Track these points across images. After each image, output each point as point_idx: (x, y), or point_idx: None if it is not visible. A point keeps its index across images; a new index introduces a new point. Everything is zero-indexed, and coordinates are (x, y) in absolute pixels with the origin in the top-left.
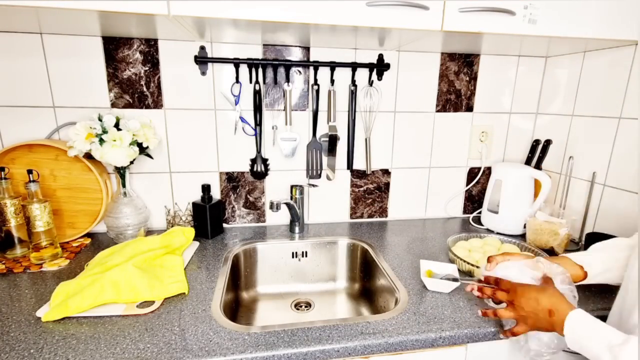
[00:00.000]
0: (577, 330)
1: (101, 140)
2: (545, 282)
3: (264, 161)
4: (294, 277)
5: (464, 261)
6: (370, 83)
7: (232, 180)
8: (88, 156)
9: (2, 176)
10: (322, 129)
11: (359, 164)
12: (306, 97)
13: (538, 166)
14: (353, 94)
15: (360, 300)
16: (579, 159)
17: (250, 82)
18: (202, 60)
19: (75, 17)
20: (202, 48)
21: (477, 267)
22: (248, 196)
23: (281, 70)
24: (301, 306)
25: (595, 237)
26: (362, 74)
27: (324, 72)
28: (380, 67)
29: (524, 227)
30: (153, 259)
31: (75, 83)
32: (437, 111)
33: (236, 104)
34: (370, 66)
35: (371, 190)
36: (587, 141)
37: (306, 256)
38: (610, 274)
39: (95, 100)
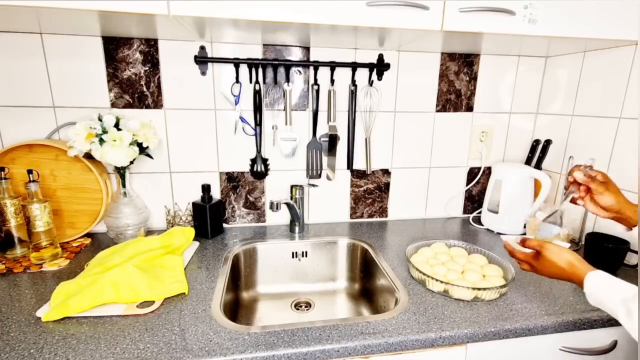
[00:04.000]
0: (594, 287)
1: (101, 140)
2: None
3: (264, 161)
4: (294, 277)
5: (418, 270)
6: (370, 83)
7: (232, 180)
8: (88, 156)
9: (2, 176)
10: (322, 129)
11: (359, 164)
12: (306, 97)
13: (538, 166)
14: (353, 94)
15: (360, 300)
16: (579, 159)
17: (250, 82)
18: (202, 60)
19: (75, 17)
20: (202, 48)
21: (431, 277)
22: (248, 196)
23: (281, 70)
24: (301, 306)
25: (595, 237)
26: (362, 74)
27: (324, 72)
28: (380, 67)
29: (524, 227)
30: (153, 259)
31: (75, 83)
32: (437, 111)
33: (236, 104)
34: (370, 66)
35: (371, 190)
36: (587, 141)
37: (306, 256)
38: None
39: (95, 100)
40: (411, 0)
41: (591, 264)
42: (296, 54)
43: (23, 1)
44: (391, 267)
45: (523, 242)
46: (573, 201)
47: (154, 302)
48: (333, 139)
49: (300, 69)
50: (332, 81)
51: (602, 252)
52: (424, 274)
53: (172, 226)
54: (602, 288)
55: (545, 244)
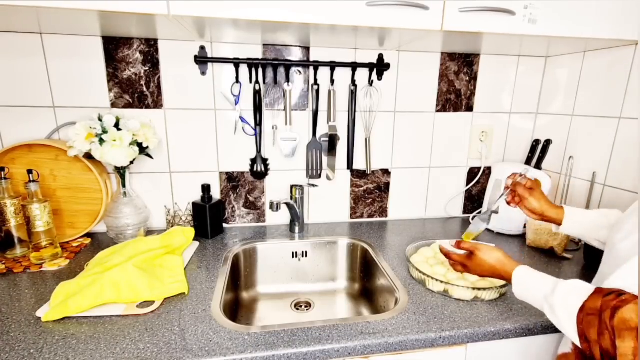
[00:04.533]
0: (520, 284)
1: (101, 140)
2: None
3: (264, 161)
4: (294, 277)
5: (418, 270)
6: (370, 83)
7: (232, 180)
8: (88, 156)
9: (2, 176)
10: (322, 129)
11: (359, 164)
12: (306, 97)
13: (538, 166)
14: (353, 94)
15: (360, 300)
16: (579, 159)
17: (250, 82)
18: (202, 60)
19: (75, 17)
20: (202, 48)
21: (431, 277)
22: (248, 196)
23: (281, 70)
24: (301, 306)
25: None
26: (362, 74)
27: (324, 72)
28: (380, 67)
29: (524, 227)
30: (153, 259)
31: (75, 83)
32: (437, 111)
33: (236, 104)
34: (370, 66)
35: (371, 190)
36: (587, 141)
37: (306, 256)
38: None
39: (95, 100)
40: (411, 0)
41: (590, 264)
42: (296, 54)
43: (23, 1)
44: (391, 267)
45: (458, 245)
46: (508, 203)
47: (154, 302)
48: (333, 139)
49: (300, 69)
50: (332, 81)
51: (602, 252)
52: (424, 274)
53: (172, 226)
54: (525, 286)
55: (478, 245)
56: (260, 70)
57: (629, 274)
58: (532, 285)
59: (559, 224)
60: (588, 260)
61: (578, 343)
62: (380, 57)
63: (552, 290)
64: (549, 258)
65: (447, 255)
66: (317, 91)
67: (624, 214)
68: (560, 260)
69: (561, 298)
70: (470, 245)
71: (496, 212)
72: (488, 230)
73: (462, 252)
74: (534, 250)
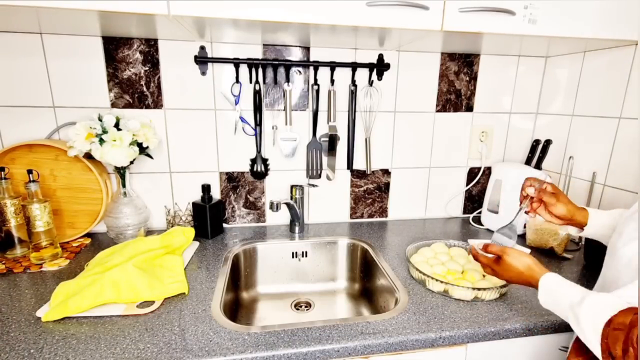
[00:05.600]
0: (546, 292)
1: (101, 140)
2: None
3: (264, 161)
4: (294, 277)
5: (418, 270)
6: (370, 83)
7: (232, 180)
8: (88, 156)
9: (2, 176)
10: (322, 129)
11: (359, 164)
12: (306, 97)
13: (538, 166)
14: (353, 94)
15: (360, 300)
16: (579, 159)
17: (250, 82)
18: (202, 60)
19: (75, 17)
20: (202, 48)
21: (431, 277)
22: (248, 196)
23: (281, 70)
24: (301, 306)
25: None
26: (362, 74)
27: (324, 72)
28: (380, 67)
29: (524, 227)
30: (153, 259)
31: (75, 83)
32: (437, 111)
33: (236, 104)
34: (370, 66)
35: (371, 190)
36: (587, 141)
37: (306, 256)
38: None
39: (95, 100)
40: (411, 0)
41: (590, 264)
42: (296, 54)
43: (23, 1)
44: (391, 267)
45: (485, 248)
46: (527, 213)
47: (154, 302)
48: (333, 139)
49: (300, 69)
50: (332, 81)
51: (602, 252)
52: (424, 274)
53: (172, 226)
54: (552, 294)
55: (506, 249)
56: (260, 70)
57: None
58: (559, 293)
59: (583, 227)
60: (588, 260)
61: (600, 356)
62: (380, 57)
63: (580, 301)
64: (549, 258)
65: (475, 257)
66: (317, 91)
67: (624, 217)
68: (560, 260)
69: (588, 309)
70: (498, 249)
71: (515, 225)
72: (488, 230)
73: (490, 255)
74: (534, 250)
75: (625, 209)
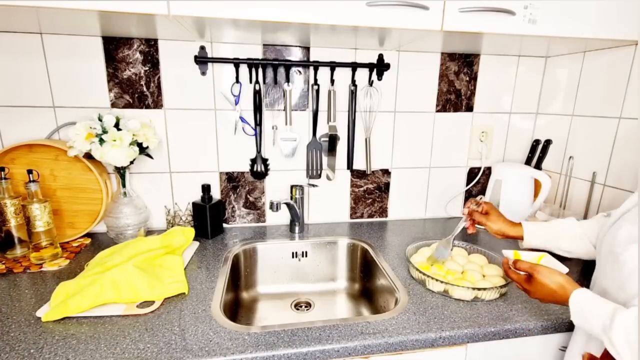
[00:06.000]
0: (577, 314)
1: (101, 140)
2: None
3: (264, 161)
4: (294, 277)
5: (418, 270)
6: (370, 83)
7: (232, 180)
8: (88, 156)
9: (2, 176)
10: (322, 129)
11: (359, 164)
12: (306, 97)
13: (538, 166)
14: (353, 94)
15: (360, 300)
16: (579, 159)
17: (250, 82)
18: (202, 60)
19: (75, 17)
20: (202, 48)
21: (431, 277)
22: (248, 196)
23: (281, 70)
24: (301, 306)
25: None
26: (362, 74)
27: (324, 72)
28: (380, 67)
29: None
30: (153, 259)
31: (75, 83)
32: (437, 111)
33: (236, 104)
34: (370, 66)
35: (371, 190)
36: (587, 141)
37: (306, 256)
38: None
39: (95, 100)
40: (411, 0)
41: (587, 266)
42: (296, 54)
43: (23, 1)
44: (391, 267)
45: (514, 265)
46: (467, 229)
47: (154, 302)
48: (333, 139)
49: (300, 69)
50: (332, 81)
51: None
52: (424, 274)
53: (172, 226)
54: (583, 315)
55: (537, 267)
56: (260, 70)
57: None
58: (588, 315)
59: (522, 240)
60: (585, 262)
61: None
62: (380, 57)
63: (610, 323)
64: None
65: (506, 272)
66: (317, 91)
67: (612, 220)
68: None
69: (622, 334)
70: (529, 267)
71: (455, 239)
72: (486, 230)
73: (521, 273)
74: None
75: (602, 212)
